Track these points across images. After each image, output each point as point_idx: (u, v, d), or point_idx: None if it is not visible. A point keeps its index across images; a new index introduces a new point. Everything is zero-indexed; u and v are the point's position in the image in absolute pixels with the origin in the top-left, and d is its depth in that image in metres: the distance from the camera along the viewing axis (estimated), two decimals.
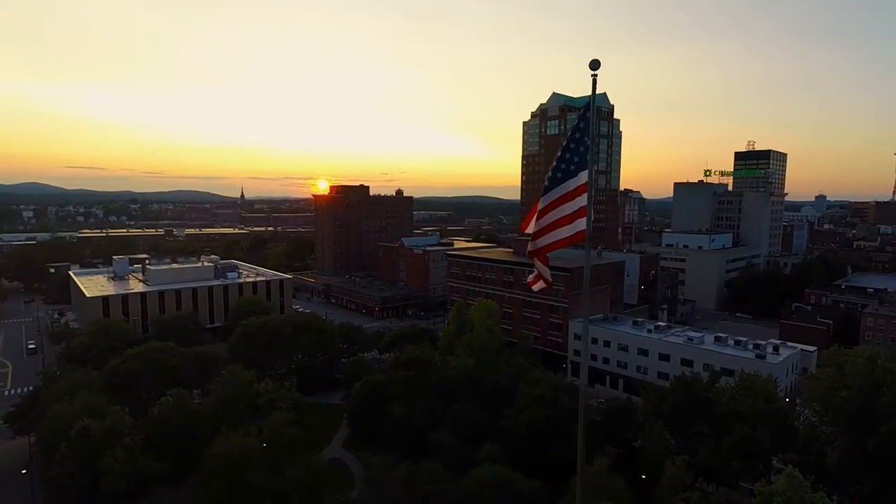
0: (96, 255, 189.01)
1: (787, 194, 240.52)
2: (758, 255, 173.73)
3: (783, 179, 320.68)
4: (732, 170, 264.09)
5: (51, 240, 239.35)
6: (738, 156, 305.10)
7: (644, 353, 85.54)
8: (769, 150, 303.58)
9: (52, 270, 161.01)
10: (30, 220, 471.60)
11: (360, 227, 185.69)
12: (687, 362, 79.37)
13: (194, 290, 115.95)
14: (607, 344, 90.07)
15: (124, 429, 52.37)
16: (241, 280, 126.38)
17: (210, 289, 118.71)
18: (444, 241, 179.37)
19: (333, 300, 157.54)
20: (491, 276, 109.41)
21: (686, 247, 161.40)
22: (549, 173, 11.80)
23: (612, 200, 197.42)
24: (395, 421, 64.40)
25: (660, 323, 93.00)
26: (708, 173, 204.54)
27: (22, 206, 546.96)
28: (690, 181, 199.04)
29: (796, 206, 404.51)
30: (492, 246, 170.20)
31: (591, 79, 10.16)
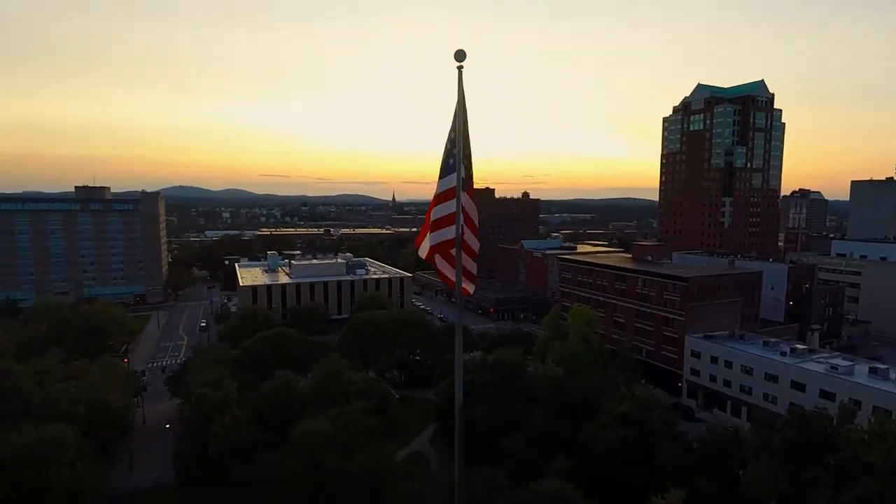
0: (262, 250, 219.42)
1: None
2: None
3: None
4: None
5: (233, 236, 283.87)
6: None
7: (773, 378, 73.97)
8: None
9: (227, 262, 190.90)
10: (227, 220, 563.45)
11: (485, 228, 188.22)
12: (827, 395, 66.87)
13: (325, 283, 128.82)
14: (729, 365, 79.69)
15: (234, 400, 60.76)
16: (367, 277, 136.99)
17: (339, 283, 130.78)
18: (567, 244, 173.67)
19: (453, 300, 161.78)
20: (602, 283, 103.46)
21: (864, 257, 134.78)
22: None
23: (770, 202, 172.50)
24: (472, 421, 64.80)
25: (798, 345, 79.47)
26: None
27: (222, 209, 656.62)
28: (875, 179, 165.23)
29: None
30: (617, 251, 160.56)
31: (457, 71, 8.63)
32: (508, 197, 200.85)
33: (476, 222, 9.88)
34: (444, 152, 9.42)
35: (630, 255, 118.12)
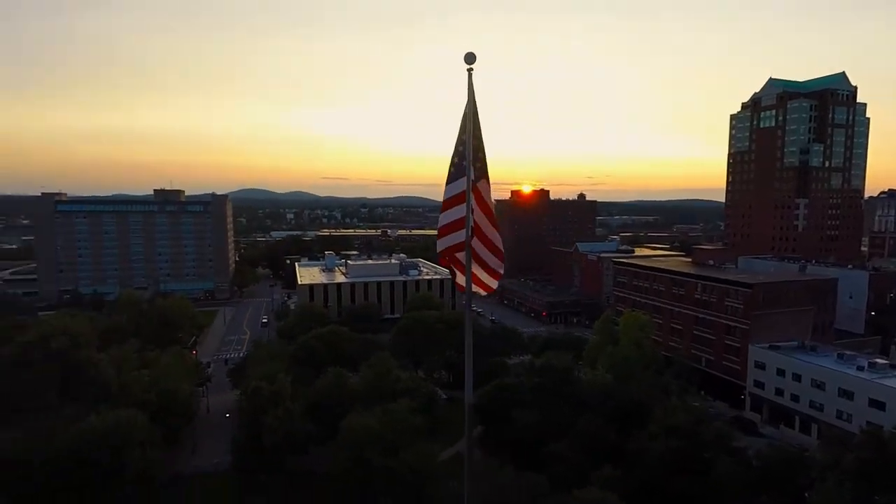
0: (322, 250, 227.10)
1: None
2: None
3: None
4: None
5: (295, 237, 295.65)
6: None
7: (847, 395, 68.48)
8: None
9: (288, 262, 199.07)
10: (291, 221, 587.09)
11: (540, 230, 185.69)
12: None
13: (378, 283, 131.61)
14: (797, 378, 74.50)
15: (287, 394, 63.38)
16: (419, 277, 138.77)
17: (392, 283, 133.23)
18: (625, 247, 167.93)
19: (506, 301, 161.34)
20: (659, 287, 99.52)
21: None
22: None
23: (851, 203, 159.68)
24: (518, 425, 64.33)
25: (878, 359, 73.11)
26: None
27: (286, 210, 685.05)
28: None
29: None
30: (678, 255, 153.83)
31: (467, 73, 8.50)
32: (564, 199, 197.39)
33: (488, 230, 9.72)
34: (456, 154, 9.18)
35: (690, 260, 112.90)
